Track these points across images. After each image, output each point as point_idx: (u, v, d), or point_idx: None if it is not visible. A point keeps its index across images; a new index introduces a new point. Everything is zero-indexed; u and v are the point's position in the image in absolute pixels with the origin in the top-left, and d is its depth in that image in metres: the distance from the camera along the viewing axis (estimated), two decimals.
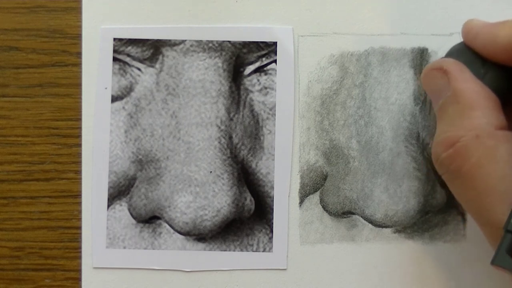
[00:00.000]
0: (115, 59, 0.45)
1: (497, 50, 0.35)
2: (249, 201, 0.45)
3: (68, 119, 0.46)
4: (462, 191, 0.34)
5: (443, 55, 0.39)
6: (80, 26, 0.46)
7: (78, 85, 0.46)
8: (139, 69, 0.45)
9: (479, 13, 0.45)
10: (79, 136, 0.45)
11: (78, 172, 0.45)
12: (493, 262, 0.31)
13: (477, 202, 0.33)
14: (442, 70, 0.36)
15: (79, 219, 0.45)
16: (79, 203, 0.45)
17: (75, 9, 0.46)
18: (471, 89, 0.35)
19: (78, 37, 0.46)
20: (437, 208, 0.45)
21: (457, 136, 0.34)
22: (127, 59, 0.45)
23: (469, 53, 0.37)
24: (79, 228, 0.45)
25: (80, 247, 0.45)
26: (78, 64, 0.46)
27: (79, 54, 0.46)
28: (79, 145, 0.45)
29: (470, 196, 0.33)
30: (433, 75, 0.37)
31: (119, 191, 0.45)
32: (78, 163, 0.45)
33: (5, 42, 0.46)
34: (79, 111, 0.45)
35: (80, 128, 0.45)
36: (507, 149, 0.33)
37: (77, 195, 0.45)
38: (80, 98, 0.45)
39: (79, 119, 0.45)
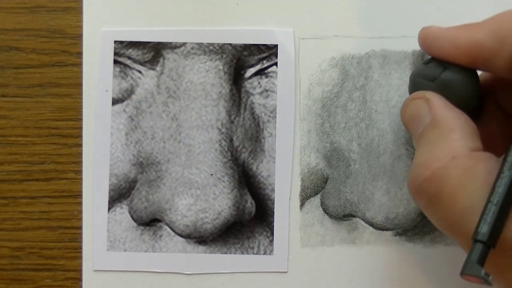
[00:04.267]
0: (116, 62, 0.45)
1: (458, 53, 0.36)
2: (249, 204, 0.45)
3: (68, 119, 0.46)
4: (443, 214, 0.34)
5: None
6: (80, 26, 0.46)
7: (78, 85, 0.45)
8: (140, 72, 0.45)
9: (479, 16, 0.45)
10: (79, 136, 0.45)
11: (78, 172, 0.45)
12: (462, 273, 0.31)
13: (461, 222, 0.33)
14: (424, 99, 0.37)
15: (79, 219, 0.45)
16: (79, 203, 0.45)
17: (75, 9, 0.46)
18: (450, 115, 0.36)
19: (78, 37, 0.46)
20: None
21: (434, 158, 0.34)
22: (128, 62, 0.45)
23: (424, 66, 0.38)
24: (79, 228, 0.45)
25: (80, 247, 0.45)
26: (78, 64, 0.46)
27: (79, 54, 0.46)
28: (79, 145, 0.45)
29: (453, 216, 0.33)
30: (414, 104, 0.37)
31: (119, 194, 0.45)
32: (78, 163, 0.45)
33: (5, 42, 0.46)
34: (79, 111, 0.45)
35: (80, 128, 0.45)
36: (485, 167, 0.33)
37: (77, 195, 0.45)
38: (80, 98, 0.45)
39: (79, 119, 0.45)
